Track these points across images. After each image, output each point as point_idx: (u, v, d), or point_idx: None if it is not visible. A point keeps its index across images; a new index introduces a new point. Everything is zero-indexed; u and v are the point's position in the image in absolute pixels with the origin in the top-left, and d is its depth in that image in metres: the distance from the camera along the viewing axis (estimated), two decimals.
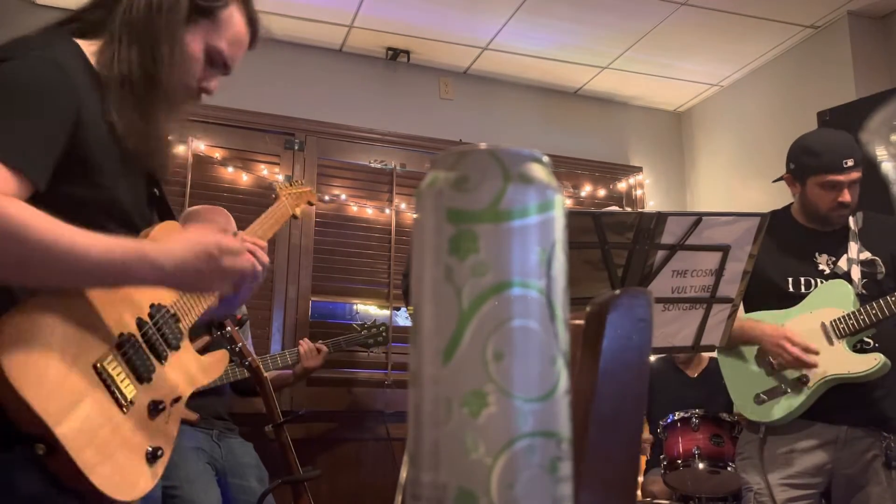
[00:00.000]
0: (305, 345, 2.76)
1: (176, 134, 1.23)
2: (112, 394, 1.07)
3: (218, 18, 1.21)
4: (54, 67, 1.05)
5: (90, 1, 1.20)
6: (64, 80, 1.06)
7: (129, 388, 1.10)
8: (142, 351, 1.15)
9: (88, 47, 1.16)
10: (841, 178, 2.04)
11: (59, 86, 1.05)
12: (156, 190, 1.26)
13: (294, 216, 1.74)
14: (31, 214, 0.95)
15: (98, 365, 1.06)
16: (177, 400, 1.22)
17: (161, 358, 1.20)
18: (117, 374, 1.08)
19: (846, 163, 2.03)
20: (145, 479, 1.10)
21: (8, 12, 3.12)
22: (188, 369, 1.29)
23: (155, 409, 1.15)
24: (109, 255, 1.00)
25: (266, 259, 1.43)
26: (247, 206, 3.24)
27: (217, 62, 1.24)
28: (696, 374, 3.18)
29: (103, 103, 1.12)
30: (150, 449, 1.12)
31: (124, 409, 1.08)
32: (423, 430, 0.46)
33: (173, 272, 1.06)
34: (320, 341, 2.84)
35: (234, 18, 1.23)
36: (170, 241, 1.11)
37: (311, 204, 1.87)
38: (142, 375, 1.14)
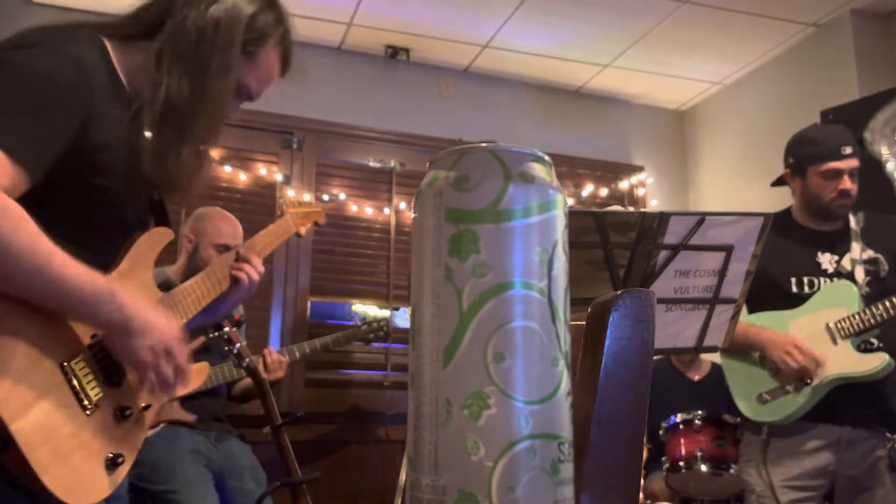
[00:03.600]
0: (269, 357, 2.56)
1: (204, 163, 1.24)
2: (76, 394, 1.04)
3: (256, 59, 1.22)
4: (72, 63, 1.04)
5: (131, 13, 1.19)
6: (79, 79, 1.04)
7: (94, 390, 1.07)
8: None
9: (119, 55, 1.15)
10: (840, 164, 2.07)
11: (73, 82, 1.03)
12: (156, 195, 1.25)
13: (298, 234, 1.72)
14: (21, 218, 0.94)
15: (66, 364, 1.04)
16: (146, 408, 1.19)
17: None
18: (84, 375, 1.06)
19: (844, 150, 2.07)
20: (101, 487, 1.06)
21: (6, 11, 3.11)
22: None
23: (121, 414, 1.11)
24: (78, 285, 0.99)
25: (256, 276, 1.43)
26: (245, 206, 3.24)
27: (243, 95, 1.26)
28: (697, 378, 3.17)
29: (127, 117, 1.11)
30: (110, 455, 1.08)
31: (87, 411, 1.06)
32: (423, 432, 0.45)
33: (129, 331, 1.06)
34: (319, 338, 2.82)
35: (270, 58, 1.25)
36: (147, 304, 1.10)
37: (317, 224, 1.84)
38: (112, 379, 1.11)
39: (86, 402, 1.06)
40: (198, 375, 1.37)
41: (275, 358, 2.57)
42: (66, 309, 1.02)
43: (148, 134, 1.11)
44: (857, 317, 1.99)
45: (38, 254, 0.95)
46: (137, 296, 1.12)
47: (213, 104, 1.16)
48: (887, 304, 1.94)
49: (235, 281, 1.42)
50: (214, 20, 1.15)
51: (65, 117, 1.02)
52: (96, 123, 1.06)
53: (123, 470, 1.12)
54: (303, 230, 1.73)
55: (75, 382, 1.05)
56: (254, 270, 1.42)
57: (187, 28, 1.14)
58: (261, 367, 2.50)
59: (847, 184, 2.07)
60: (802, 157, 2.14)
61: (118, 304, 1.04)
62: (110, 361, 1.11)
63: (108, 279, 1.06)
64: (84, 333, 1.08)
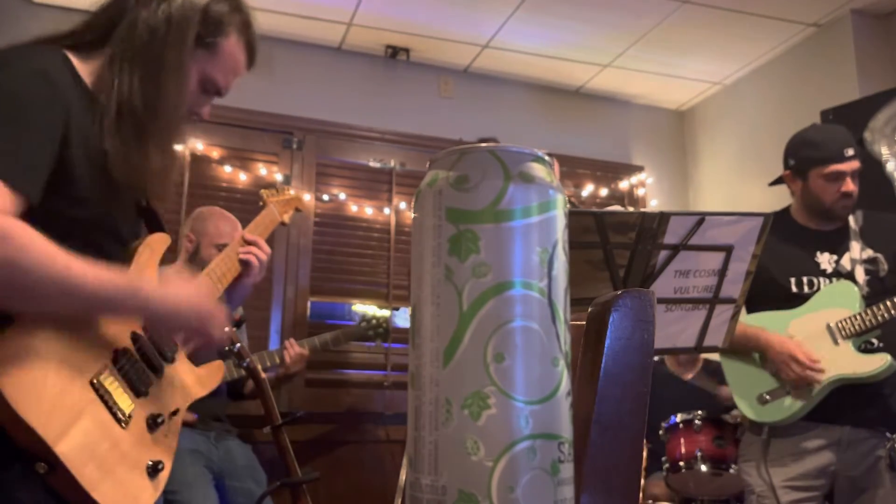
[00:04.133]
0: (293, 350, 2.65)
1: (170, 161, 1.21)
2: (110, 409, 1.06)
3: (217, 50, 1.20)
4: (44, 80, 1.04)
5: (85, 21, 1.18)
6: (53, 93, 1.04)
7: (126, 403, 1.10)
8: (137, 365, 1.15)
9: (81, 64, 1.14)
10: (843, 167, 2.07)
11: (48, 98, 1.03)
12: (143, 201, 1.25)
13: (283, 223, 1.73)
14: (30, 238, 0.94)
15: (95, 381, 1.05)
16: (174, 413, 1.21)
17: (157, 371, 1.19)
18: (114, 389, 1.08)
19: (847, 152, 2.07)
20: (147, 494, 1.09)
21: (7, 12, 3.11)
22: (184, 381, 1.28)
23: (154, 422, 1.14)
24: (101, 288, 1.00)
25: (264, 257, 1.45)
26: (245, 206, 3.23)
27: (210, 90, 1.23)
28: (689, 377, 3.17)
29: (94, 124, 1.11)
30: (150, 463, 1.11)
31: (123, 424, 1.08)
32: (423, 432, 0.45)
33: (162, 317, 1.10)
34: (319, 336, 2.82)
35: (232, 48, 1.22)
36: (168, 284, 1.12)
37: (299, 210, 1.85)
38: (139, 389, 1.13)
39: (120, 416, 1.08)
40: (216, 375, 1.39)
41: (297, 350, 2.63)
42: (91, 312, 1.04)
43: (110, 139, 1.10)
44: (858, 317, 1.99)
45: (55, 266, 0.96)
46: (163, 280, 1.13)
47: (170, 101, 1.14)
48: (888, 304, 1.94)
49: (246, 264, 1.43)
50: (166, 17, 1.13)
51: (48, 134, 1.02)
52: (74, 136, 1.06)
53: (164, 476, 1.14)
54: (286, 217, 1.75)
55: (107, 398, 1.06)
56: (261, 252, 1.45)
57: (139, 28, 1.13)
58: (286, 359, 2.56)
59: (850, 186, 2.07)
60: (804, 159, 2.13)
61: (143, 297, 1.06)
62: (135, 373, 1.13)
63: (129, 277, 1.07)
64: (108, 347, 1.10)
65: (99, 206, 1.11)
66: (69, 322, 1.04)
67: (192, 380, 1.31)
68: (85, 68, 1.14)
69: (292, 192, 1.86)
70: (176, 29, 1.14)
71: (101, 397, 1.05)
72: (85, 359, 1.05)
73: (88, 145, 1.09)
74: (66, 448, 0.96)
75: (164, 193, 1.23)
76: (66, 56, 1.12)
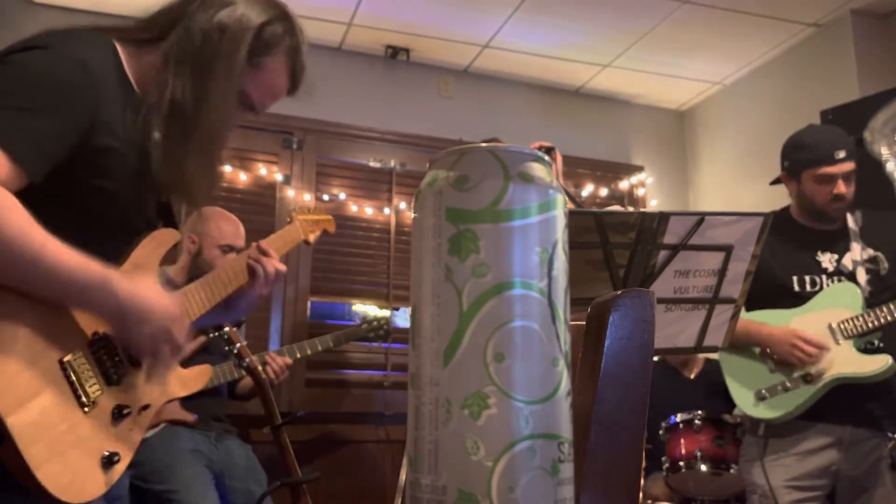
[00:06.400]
0: (275, 364, 2.52)
1: (209, 167, 1.22)
2: (75, 391, 1.05)
3: (261, 68, 1.21)
4: (79, 67, 1.05)
5: (147, 17, 1.20)
6: (85, 82, 1.05)
7: (93, 388, 1.08)
8: (115, 352, 1.13)
9: (131, 57, 1.16)
10: (833, 169, 2.07)
11: (78, 86, 1.04)
12: (164, 197, 1.25)
13: (306, 242, 1.72)
14: (9, 208, 0.94)
15: (65, 360, 1.04)
16: (145, 408, 1.19)
17: (136, 362, 1.17)
18: (84, 373, 1.06)
19: (838, 154, 2.06)
20: (96, 484, 1.06)
21: (7, 12, 3.11)
22: (165, 379, 1.26)
23: (119, 413, 1.12)
24: (72, 275, 1.00)
25: (271, 269, 1.43)
26: (245, 206, 3.24)
27: (245, 104, 1.24)
28: (692, 376, 3.17)
29: (139, 117, 1.12)
30: (106, 453, 1.08)
31: (85, 409, 1.06)
32: (423, 432, 0.45)
33: (128, 316, 1.07)
34: (319, 337, 2.82)
35: (276, 70, 1.23)
36: (142, 285, 1.10)
37: (327, 232, 1.84)
38: (110, 377, 1.11)
39: (84, 400, 1.06)
40: (200, 378, 1.37)
41: (279, 363, 2.55)
42: (59, 297, 1.02)
43: (156, 135, 1.12)
44: (860, 318, 1.99)
45: (31, 241, 0.96)
46: (136, 280, 1.12)
47: (215, 108, 1.16)
48: (892, 306, 1.94)
49: (251, 272, 1.42)
50: (221, 26, 1.16)
51: (69, 119, 1.03)
52: (102, 126, 1.07)
53: (119, 469, 1.11)
54: (311, 237, 1.73)
55: (74, 379, 1.05)
56: (269, 264, 1.43)
57: (193, 32, 1.15)
58: (270, 374, 2.50)
59: (841, 188, 2.07)
60: (796, 161, 2.14)
61: (112, 292, 1.04)
62: (111, 360, 1.11)
63: (103, 267, 1.05)
64: (87, 329, 1.08)
65: (116, 197, 1.12)
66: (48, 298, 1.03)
67: (173, 379, 1.29)
68: (133, 62, 1.16)
69: (311, 201, 1.85)
70: (229, 40, 1.16)
71: (68, 378, 1.04)
72: (61, 336, 1.04)
73: (123, 137, 1.10)
74: (18, 421, 0.95)
75: (198, 197, 1.23)
76: (115, 48, 1.14)
